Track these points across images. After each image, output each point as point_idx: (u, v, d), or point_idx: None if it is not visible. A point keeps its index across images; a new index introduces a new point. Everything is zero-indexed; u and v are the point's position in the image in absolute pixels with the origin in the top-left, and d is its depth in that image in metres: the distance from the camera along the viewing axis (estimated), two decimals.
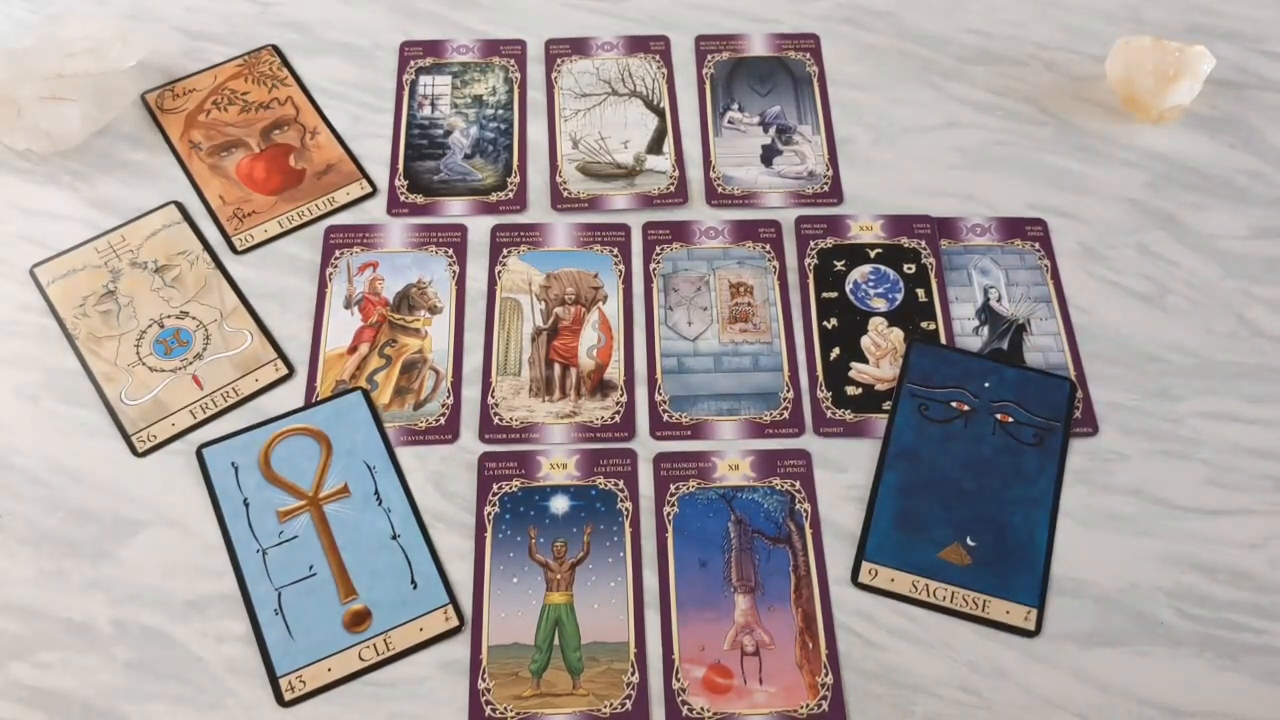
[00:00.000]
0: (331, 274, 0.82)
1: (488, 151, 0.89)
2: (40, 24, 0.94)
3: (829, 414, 0.76)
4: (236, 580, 0.69)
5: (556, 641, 0.68)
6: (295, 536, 0.71)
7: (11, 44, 0.91)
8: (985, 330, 0.80)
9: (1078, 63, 0.94)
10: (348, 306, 0.81)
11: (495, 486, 0.73)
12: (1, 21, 0.95)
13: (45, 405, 0.76)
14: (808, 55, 0.94)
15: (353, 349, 0.79)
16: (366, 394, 0.77)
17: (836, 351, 0.79)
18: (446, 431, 0.76)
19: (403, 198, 0.86)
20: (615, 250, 0.84)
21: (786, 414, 0.76)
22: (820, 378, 0.78)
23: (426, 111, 0.91)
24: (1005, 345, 0.79)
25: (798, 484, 0.73)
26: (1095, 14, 0.97)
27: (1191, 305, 0.81)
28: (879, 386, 0.78)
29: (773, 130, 0.90)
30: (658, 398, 0.77)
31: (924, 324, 0.80)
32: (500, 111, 0.91)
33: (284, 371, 0.78)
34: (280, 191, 0.86)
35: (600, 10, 0.97)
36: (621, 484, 0.73)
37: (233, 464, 0.74)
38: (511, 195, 0.86)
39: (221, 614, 0.69)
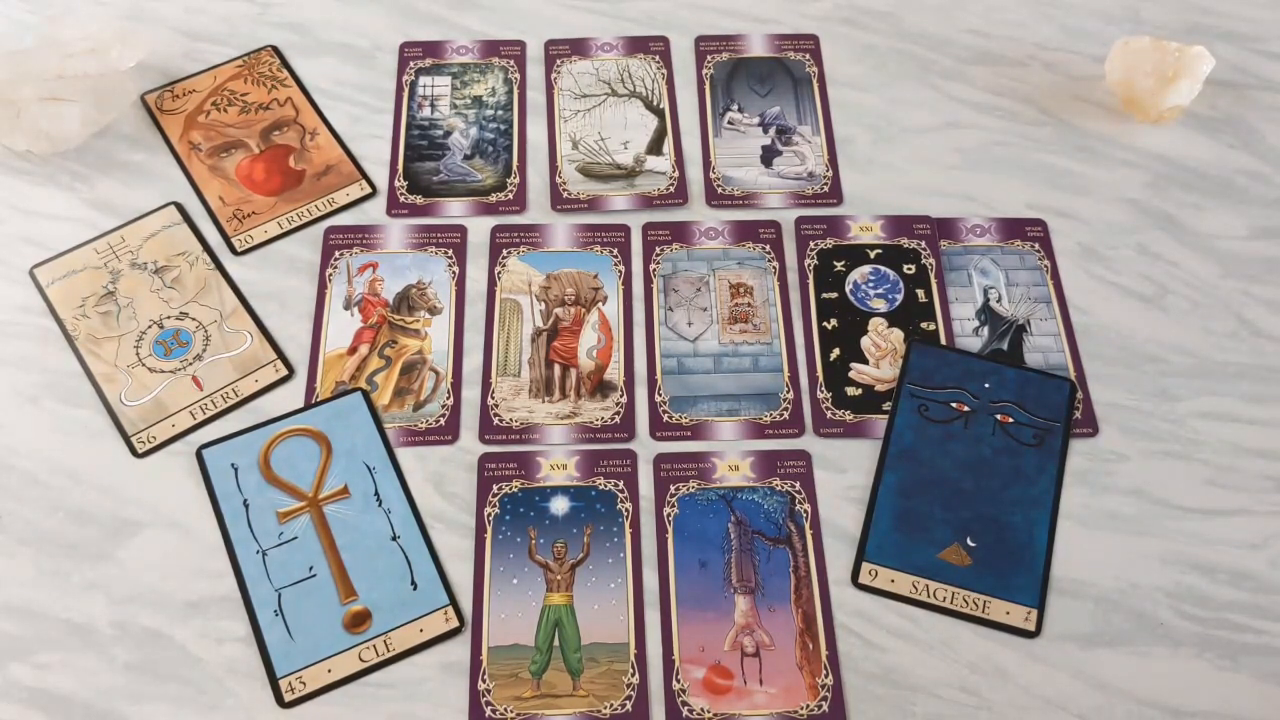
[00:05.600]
0: (331, 275, 0.82)
1: (487, 152, 0.89)
2: (40, 24, 0.94)
3: (829, 414, 0.76)
4: (236, 581, 0.69)
5: (556, 642, 0.68)
6: (295, 537, 0.71)
7: (11, 44, 0.91)
8: (985, 331, 0.80)
9: (1077, 63, 0.94)
10: (347, 307, 0.81)
11: (495, 487, 0.73)
12: (1, 22, 0.95)
13: (45, 406, 0.76)
14: (807, 56, 0.94)
15: (352, 350, 0.79)
16: (366, 395, 0.77)
17: (836, 352, 0.79)
18: (446, 432, 0.76)
19: (402, 198, 0.86)
20: (615, 251, 0.84)
21: (786, 415, 0.76)
22: (820, 378, 0.78)
23: (426, 112, 0.91)
24: (1005, 346, 0.79)
25: (798, 485, 0.73)
26: (1095, 14, 0.97)
27: (1191, 305, 0.81)
28: (879, 387, 0.78)
29: (772, 131, 0.90)
30: (657, 398, 0.77)
31: (924, 324, 0.80)
32: (500, 112, 0.91)
33: (284, 372, 0.78)
34: (280, 192, 0.86)
35: (600, 11, 0.97)
36: (621, 485, 0.73)
37: (232, 465, 0.74)
38: (511, 196, 0.86)
39: (221, 615, 0.69)
